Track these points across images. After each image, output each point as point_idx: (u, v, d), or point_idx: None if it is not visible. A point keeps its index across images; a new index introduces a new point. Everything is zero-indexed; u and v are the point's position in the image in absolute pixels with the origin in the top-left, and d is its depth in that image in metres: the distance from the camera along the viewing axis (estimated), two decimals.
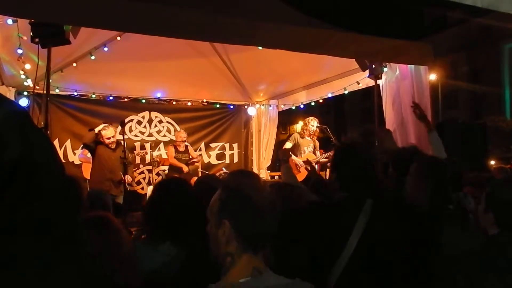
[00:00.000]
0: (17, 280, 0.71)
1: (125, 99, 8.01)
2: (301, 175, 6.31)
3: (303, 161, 6.52)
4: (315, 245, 1.89)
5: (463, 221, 2.37)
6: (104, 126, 6.17)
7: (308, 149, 6.80)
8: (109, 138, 6.10)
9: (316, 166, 7.22)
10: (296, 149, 6.71)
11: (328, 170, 6.95)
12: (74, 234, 0.83)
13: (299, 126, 6.98)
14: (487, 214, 1.97)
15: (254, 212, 1.30)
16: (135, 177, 7.94)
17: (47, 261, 0.74)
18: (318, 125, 6.83)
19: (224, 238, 1.31)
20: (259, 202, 1.31)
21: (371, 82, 5.87)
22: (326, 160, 6.60)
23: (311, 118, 6.91)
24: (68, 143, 7.33)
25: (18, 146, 0.72)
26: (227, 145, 8.91)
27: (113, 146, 6.18)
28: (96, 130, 6.12)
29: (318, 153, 6.89)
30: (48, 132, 4.64)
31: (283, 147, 6.70)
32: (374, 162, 2.16)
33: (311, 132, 6.80)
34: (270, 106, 8.77)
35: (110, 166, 6.05)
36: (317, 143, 6.98)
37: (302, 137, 6.81)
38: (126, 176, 5.92)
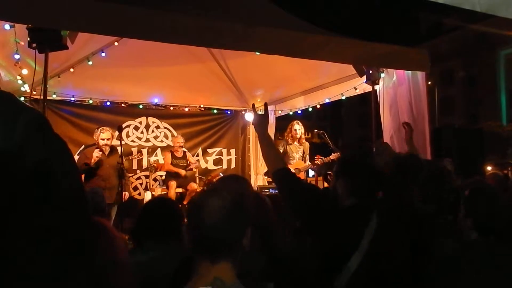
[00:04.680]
0: (33, 283, 0.71)
1: (122, 105, 7.99)
2: None
3: (294, 169, 6.56)
4: (325, 249, 1.91)
5: (450, 226, 2.42)
6: (101, 129, 6.21)
7: (297, 155, 6.82)
8: (103, 140, 6.11)
9: (313, 172, 7.26)
10: (285, 157, 6.69)
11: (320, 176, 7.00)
12: (88, 239, 0.83)
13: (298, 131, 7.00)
14: (466, 220, 2.03)
15: (203, 219, 1.28)
16: (132, 182, 7.93)
17: (63, 267, 0.74)
18: (301, 128, 6.88)
19: (188, 246, 1.33)
20: (208, 210, 1.28)
21: (368, 88, 5.89)
22: (318, 165, 6.62)
23: (294, 122, 6.96)
24: None
25: (38, 152, 0.73)
26: (224, 151, 8.90)
27: (107, 151, 6.18)
28: (95, 136, 6.18)
29: (307, 157, 6.91)
30: None
31: None
32: (380, 170, 2.22)
33: (297, 137, 6.84)
34: None
35: (103, 173, 6.04)
36: (307, 147, 7.00)
37: (290, 144, 6.82)
38: (123, 181, 5.92)
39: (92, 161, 5.97)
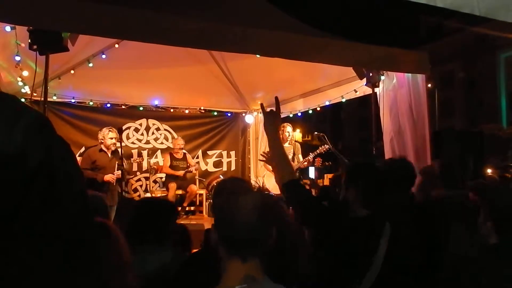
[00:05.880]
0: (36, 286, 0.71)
1: (123, 107, 8.00)
2: None
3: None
4: (343, 257, 1.91)
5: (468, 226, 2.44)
6: (109, 128, 6.21)
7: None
8: (112, 139, 6.11)
9: (314, 174, 7.30)
10: None
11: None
12: (91, 244, 0.83)
13: (296, 134, 7.07)
14: (487, 223, 2.02)
15: (236, 219, 1.31)
16: (132, 184, 7.93)
17: (67, 269, 0.74)
18: (292, 130, 6.98)
19: (215, 243, 1.36)
20: (241, 209, 1.31)
21: (368, 90, 5.88)
22: (306, 164, 6.67)
23: (285, 124, 7.02)
24: None
25: (39, 154, 0.73)
26: (224, 153, 8.90)
27: (110, 152, 6.19)
28: (101, 135, 6.16)
29: (301, 157, 6.97)
30: None
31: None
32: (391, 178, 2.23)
33: (288, 139, 6.90)
34: None
35: (105, 174, 6.04)
36: (298, 147, 7.07)
37: None
38: (123, 183, 5.92)
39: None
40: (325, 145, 6.47)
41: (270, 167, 6.36)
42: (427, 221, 2.30)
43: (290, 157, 6.82)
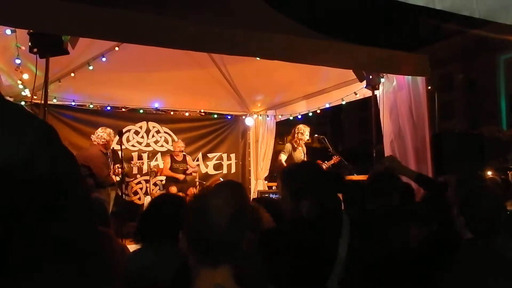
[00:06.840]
0: None
1: (123, 109, 8.01)
2: None
3: None
4: (303, 261, 1.88)
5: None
6: (111, 130, 6.21)
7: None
8: (112, 141, 6.14)
9: None
10: (290, 161, 6.81)
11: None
12: (95, 250, 0.83)
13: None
14: (459, 218, 2.10)
15: (208, 224, 1.27)
16: (132, 187, 7.93)
17: (67, 274, 0.75)
18: (308, 132, 7.00)
19: (186, 250, 1.31)
20: (214, 214, 1.28)
21: (368, 93, 5.89)
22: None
23: (302, 126, 7.04)
24: None
25: (47, 164, 0.73)
26: (224, 156, 8.90)
27: (110, 153, 6.21)
28: (105, 136, 6.15)
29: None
30: None
31: (278, 159, 6.92)
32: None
33: (304, 141, 6.95)
34: (268, 117, 8.78)
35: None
36: (305, 149, 7.11)
37: (295, 148, 6.91)
38: (122, 185, 5.93)
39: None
40: (337, 156, 6.56)
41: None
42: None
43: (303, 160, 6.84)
